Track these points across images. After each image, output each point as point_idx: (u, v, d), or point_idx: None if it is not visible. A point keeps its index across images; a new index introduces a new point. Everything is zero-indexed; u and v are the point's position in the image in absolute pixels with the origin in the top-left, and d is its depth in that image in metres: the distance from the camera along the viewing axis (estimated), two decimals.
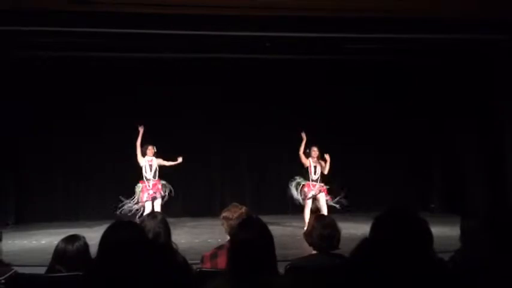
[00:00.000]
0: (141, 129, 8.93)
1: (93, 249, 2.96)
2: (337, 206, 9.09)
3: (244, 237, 2.16)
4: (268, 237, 2.21)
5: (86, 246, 3.12)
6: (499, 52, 9.22)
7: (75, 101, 10.78)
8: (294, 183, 9.12)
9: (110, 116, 10.94)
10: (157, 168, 8.99)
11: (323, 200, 8.85)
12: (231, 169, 11.64)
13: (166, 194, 9.02)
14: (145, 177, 8.91)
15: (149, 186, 8.86)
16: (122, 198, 9.05)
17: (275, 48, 9.90)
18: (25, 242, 8.43)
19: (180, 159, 9.12)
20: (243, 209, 3.39)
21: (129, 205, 8.94)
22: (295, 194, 9.05)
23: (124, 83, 10.81)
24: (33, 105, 10.67)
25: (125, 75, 10.73)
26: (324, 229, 3.15)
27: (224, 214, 3.38)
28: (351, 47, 9.56)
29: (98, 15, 7.38)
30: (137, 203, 8.90)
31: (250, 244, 2.13)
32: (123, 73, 10.71)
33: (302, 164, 9.04)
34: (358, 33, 8.36)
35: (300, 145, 9.03)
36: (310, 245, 3.28)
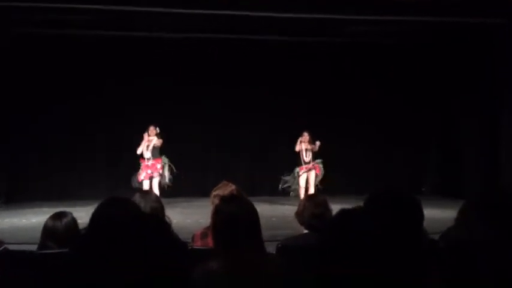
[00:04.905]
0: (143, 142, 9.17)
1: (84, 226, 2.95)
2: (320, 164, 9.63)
3: (229, 211, 2.09)
4: (253, 212, 2.15)
5: (74, 221, 3.10)
6: (502, 35, 9.24)
7: (71, 80, 10.72)
8: (291, 174, 9.80)
9: (105, 97, 10.90)
10: (153, 148, 9.19)
11: (312, 178, 9.62)
12: (224, 150, 11.62)
13: (166, 171, 9.26)
14: (145, 156, 9.22)
15: (149, 165, 9.16)
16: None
17: (272, 29, 9.85)
18: (15, 220, 8.41)
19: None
20: (234, 186, 3.37)
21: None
22: (291, 181, 9.79)
23: (120, 66, 10.79)
24: (26, 83, 10.57)
25: (122, 59, 10.72)
26: (315, 208, 3.15)
27: (216, 192, 3.35)
28: (352, 29, 9.56)
29: None
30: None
31: (235, 218, 2.06)
32: (120, 57, 10.70)
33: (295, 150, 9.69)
34: (360, 15, 8.33)
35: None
36: (301, 224, 3.27)
